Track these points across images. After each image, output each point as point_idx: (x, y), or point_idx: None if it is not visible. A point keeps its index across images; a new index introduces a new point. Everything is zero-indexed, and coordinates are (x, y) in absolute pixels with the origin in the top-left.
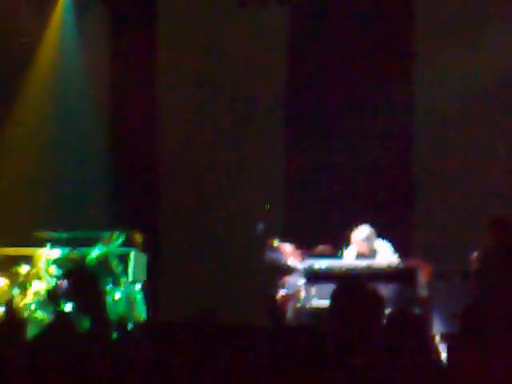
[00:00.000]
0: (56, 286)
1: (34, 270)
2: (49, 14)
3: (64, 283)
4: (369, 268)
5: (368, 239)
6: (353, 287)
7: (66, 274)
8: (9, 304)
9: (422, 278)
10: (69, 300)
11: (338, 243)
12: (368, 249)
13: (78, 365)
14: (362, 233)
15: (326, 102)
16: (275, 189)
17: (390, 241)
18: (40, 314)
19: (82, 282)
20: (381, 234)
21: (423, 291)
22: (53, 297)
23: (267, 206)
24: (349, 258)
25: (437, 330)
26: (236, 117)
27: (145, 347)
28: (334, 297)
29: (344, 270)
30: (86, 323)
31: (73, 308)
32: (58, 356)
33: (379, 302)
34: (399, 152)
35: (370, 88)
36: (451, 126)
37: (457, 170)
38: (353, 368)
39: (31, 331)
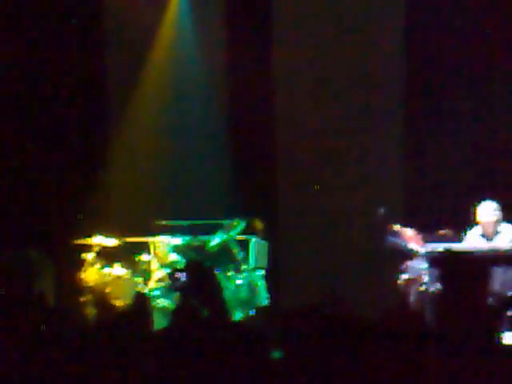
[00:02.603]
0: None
1: (155, 259)
2: (165, 5)
3: (181, 276)
4: (492, 251)
5: (497, 222)
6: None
7: (183, 267)
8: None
9: None
10: (187, 293)
11: (459, 226)
12: (493, 230)
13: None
14: (493, 215)
15: (446, 79)
16: (395, 173)
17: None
18: (162, 302)
19: (200, 275)
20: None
21: None
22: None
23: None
24: (472, 240)
25: None
26: (354, 102)
27: (267, 333)
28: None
29: (467, 252)
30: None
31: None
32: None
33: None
34: None
35: (495, 65)
36: None
37: None
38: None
39: (155, 319)
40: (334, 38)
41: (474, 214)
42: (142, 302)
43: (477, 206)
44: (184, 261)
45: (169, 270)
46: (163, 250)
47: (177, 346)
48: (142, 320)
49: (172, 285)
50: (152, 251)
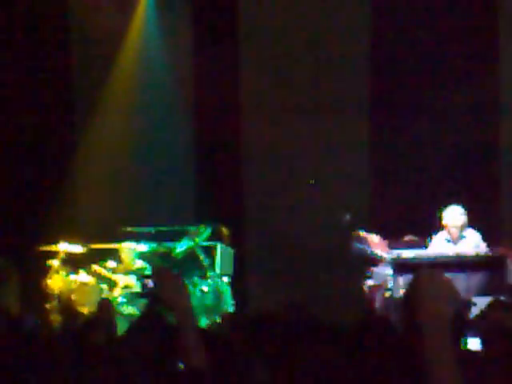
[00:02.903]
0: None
1: (120, 265)
2: (132, 11)
3: (149, 282)
4: (457, 257)
5: (463, 226)
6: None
7: (150, 273)
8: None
9: (511, 266)
10: (154, 298)
11: (425, 232)
12: (459, 235)
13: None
14: (458, 220)
15: (410, 83)
16: (361, 179)
17: (478, 229)
18: (127, 309)
19: (167, 280)
20: (469, 222)
21: None
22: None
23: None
24: (438, 244)
25: None
26: (320, 106)
27: (232, 340)
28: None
29: (432, 259)
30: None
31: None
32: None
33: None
34: (487, 138)
35: (456, 64)
36: None
37: None
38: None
39: (119, 325)
40: (301, 40)
41: (440, 218)
42: (107, 308)
43: (442, 210)
44: (150, 267)
45: (135, 277)
46: (129, 257)
47: (141, 351)
48: (106, 326)
49: (142, 291)
50: (118, 258)
